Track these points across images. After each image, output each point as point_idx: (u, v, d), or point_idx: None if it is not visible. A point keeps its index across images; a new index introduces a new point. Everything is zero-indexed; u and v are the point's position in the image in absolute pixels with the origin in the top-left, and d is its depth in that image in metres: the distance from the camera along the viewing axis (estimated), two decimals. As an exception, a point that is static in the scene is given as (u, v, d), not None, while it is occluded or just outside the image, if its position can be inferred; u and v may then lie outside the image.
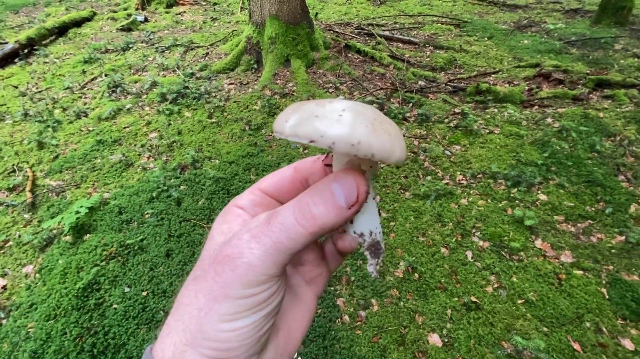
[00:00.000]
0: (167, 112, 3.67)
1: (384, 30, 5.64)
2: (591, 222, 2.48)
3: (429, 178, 2.85)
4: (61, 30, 5.80)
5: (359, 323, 1.91)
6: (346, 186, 0.29)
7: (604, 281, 2.11)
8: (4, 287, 2.24)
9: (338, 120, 0.26)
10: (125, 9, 7.11)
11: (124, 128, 3.52)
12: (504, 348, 1.79)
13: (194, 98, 3.83)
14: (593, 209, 2.56)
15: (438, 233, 2.39)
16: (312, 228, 0.28)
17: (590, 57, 4.89)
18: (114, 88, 4.12)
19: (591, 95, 3.94)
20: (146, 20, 6.52)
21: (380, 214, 0.36)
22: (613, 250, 2.29)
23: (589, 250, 2.29)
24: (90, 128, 3.55)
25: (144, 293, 2.05)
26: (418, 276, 2.13)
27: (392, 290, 2.06)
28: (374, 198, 0.35)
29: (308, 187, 0.34)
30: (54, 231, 2.50)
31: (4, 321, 2.03)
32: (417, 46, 5.15)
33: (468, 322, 1.90)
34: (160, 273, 2.16)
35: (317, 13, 6.95)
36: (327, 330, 1.86)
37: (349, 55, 4.73)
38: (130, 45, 5.32)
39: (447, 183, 2.79)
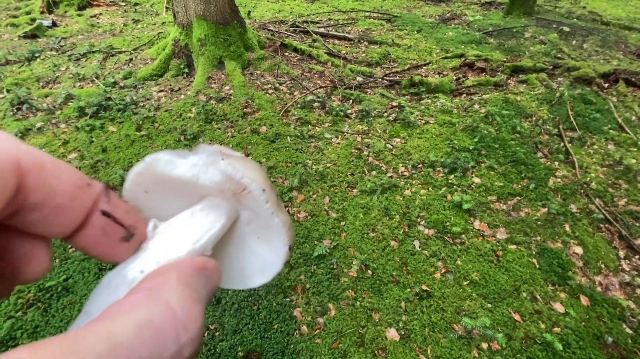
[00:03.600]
0: (88, 129, 3.28)
1: (319, 27, 5.64)
2: (519, 199, 2.71)
3: (374, 173, 2.90)
4: (-57, 40, 4.90)
5: (317, 331, 1.87)
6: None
7: (534, 252, 2.32)
8: None
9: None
10: (27, 13, 6.24)
11: (35, 150, 3.07)
12: (455, 330, 1.87)
13: (118, 110, 3.47)
14: (519, 186, 2.81)
15: (387, 226, 2.44)
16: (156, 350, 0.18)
17: (506, 45, 5.37)
18: (19, 106, 3.58)
19: (509, 80, 4.32)
20: (54, 24, 5.79)
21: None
22: (539, 222, 2.53)
23: (519, 225, 2.50)
24: (-9, 155, 3.04)
25: (74, 340, 1.80)
26: (371, 272, 2.15)
27: (347, 291, 2.05)
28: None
29: (24, 209, 0.20)
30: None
31: None
32: (352, 42, 5.23)
33: (421, 311, 1.96)
34: (92, 314, 1.91)
35: (249, 11, 6.73)
36: (286, 345, 1.79)
37: (286, 54, 4.65)
38: (37, 55, 4.68)
39: (391, 176, 2.86)
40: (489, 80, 4.16)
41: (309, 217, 2.53)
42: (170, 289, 0.20)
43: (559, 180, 2.89)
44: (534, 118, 3.62)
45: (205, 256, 0.24)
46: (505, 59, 4.67)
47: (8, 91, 3.88)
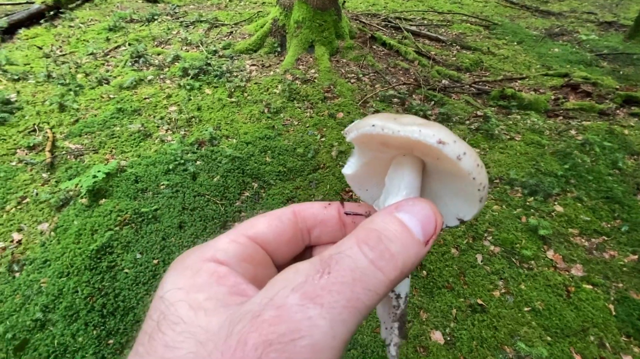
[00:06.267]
0: (188, 87, 3.67)
1: (411, 25, 5.54)
2: (606, 238, 2.45)
3: (444, 178, 2.82)
4: (88, -4, 5.79)
5: (363, 312, 1.93)
6: (420, 215, 0.23)
7: (612, 298, 2.09)
8: (19, 242, 2.29)
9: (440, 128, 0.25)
10: (152, -20, 7.06)
11: (145, 99, 3.53)
12: (506, 352, 1.79)
13: (215, 76, 3.83)
14: (609, 226, 2.52)
15: (450, 233, 2.38)
16: (393, 272, 0.20)
17: (621, 72, 4.75)
18: (137, 59, 4.12)
19: (618, 111, 3.84)
20: (172, -7, 6.47)
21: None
22: (624, 268, 2.26)
23: (601, 266, 2.26)
24: (111, 96, 3.57)
25: (155, 261, 2.09)
26: (426, 273, 2.13)
27: (398, 284, 2.06)
28: None
29: (310, 241, 0.30)
30: (71, 193, 2.55)
31: (17, 274, 2.08)
32: (444, 44, 5.05)
33: (472, 323, 1.90)
34: (172, 244, 2.19)
35: (344, 1, 6.83)
36: (332, 316, 1.88)
37: (374, 47, 4.66)
38: (155, 17, 5.30)
39: (462, 185, 2.77)
40: (593, 106, 3.74)
41: (371, 206, 2.57)
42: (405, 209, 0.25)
43: (660, 229, 2.53)
44: (641, 157, 3.20)
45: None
46: (618, 87, 4.15)
47: (130, 44, 4.48)
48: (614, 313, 2.01)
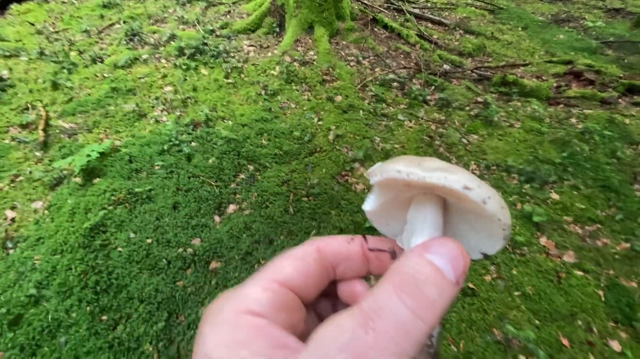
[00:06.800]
0: (184, 67, 3.60)
1: (414, 8, 5.40)
2: (599, 226, 2.45)
3: (441, 163, 2.81)
4: (81, -30, 5.60)
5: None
6: (450, 255, 0.23)
7: (602, 284, 2.11)
8: (13, 219, 2.29)
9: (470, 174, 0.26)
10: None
11: (139, 78, 3.47)
12: (494, 334, 1.82)
13: (212, 56, 3.75)
14: (604, 214, 2.53)
15: (444, 218, 2.38)
16: (433, 318, 0.21)
17: (626, 60, 4.67)
18: (132, 37, 4.03)
19: (620, 99, 3.79)
20: (169, -31, 6.26)
21: None
22: (616, 256, 2.28)
23: (593, 253, 2.28)
24: (106, 75, 3.50)
25: (149, 241, 2.09)
26: (418, 257, 2.14)
27: (391, 267, 2.07)
28: None
29: (335, 276, 0.30)
30: (65, 172, 2.53)
31: (11, 251, 2.09)
32: (447, 28, 4.94)
33: (462, 306, 1.93)
34: (166, 224, 2.19)
35: (346, -18, 6.63)
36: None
37: (375, 29, 4.56)
38: (151, -6, 5.15)
39: (459, 171, 2.75)
40: (595, 95, 3.69)
41: (366, 190, 2.56)
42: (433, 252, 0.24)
43: (655, 219, 2.53)
44: (640, 147, 3.17)
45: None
46: (621, 75, 4.08)
47: (124, 22, 4.37)
48: (603, 299, 2.03)
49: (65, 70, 3.52)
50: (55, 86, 3.33)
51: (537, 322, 1.89)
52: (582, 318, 1.93)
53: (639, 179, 2.86)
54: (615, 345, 1.84)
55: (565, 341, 1.83)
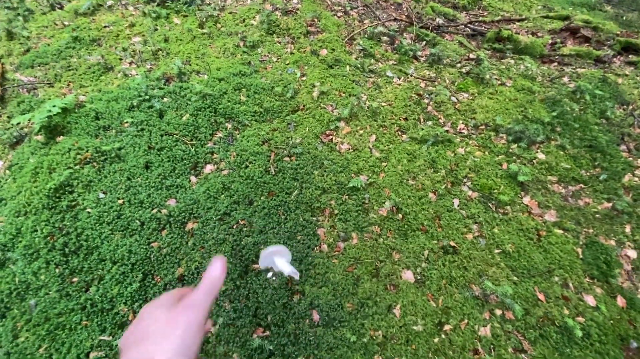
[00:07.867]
0: (154, 16, 3.26)
1: (407, -45, 4.96)
2: (583, 186, 2.45)
3: (429, 123, 2.70)
4: None
5: (336, 252, 1.91)
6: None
7: (581, 242, 2.14)
8: (-28, 180, 2.13)
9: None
10: None
11: (104, 27, 3.14)
12: (472, 290, 1.84)
13: (184, 3, 3.40)
14: (588, 174, 2.52)
15: (429, 178, 2.33)
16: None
17: (624, 17, 4.49)
18: (94, -20, 3.59)
19: (615, 58, 3.67)
20: None
21: None
22: (597, 215, 2.29)
23: (574, 212, 2.29)
24: (66, 23, 3.15)
25: (120, 201, 1.98)
26: (402, 216, 2.11)
27: (374, 226, 2.04)
28: None
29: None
30: (25, 130, 2.33)
31: (-28, 213, 1.95)
32: (441, -22, 4.59)
33: (443, 264, 1.93)
34: (138, 184, 2.06)
35: None
36: (305, 256, 1.86)
37: (365, -23, 4.19)
38: None
39: (447, 130, 2.66)
40: (590, 53, 3.56)
41: (351, 150, 2.46)
42: None
43: (637, 179, 2.54)
44: (630, 107, 3.12)
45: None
46: (618, 32, 3.92)
47: (86, -36, 3.88)
48: (580, 257, 2.07)
49: (20, 17, 3.15)
50: (10, 35, 2.99)
51: (515, 278, 1.92)
52: (559, 274, 1.97)
53: (626, 140, 2.84)
54: (590, 300, 1.89)
55: (541, 296, 1.87)
